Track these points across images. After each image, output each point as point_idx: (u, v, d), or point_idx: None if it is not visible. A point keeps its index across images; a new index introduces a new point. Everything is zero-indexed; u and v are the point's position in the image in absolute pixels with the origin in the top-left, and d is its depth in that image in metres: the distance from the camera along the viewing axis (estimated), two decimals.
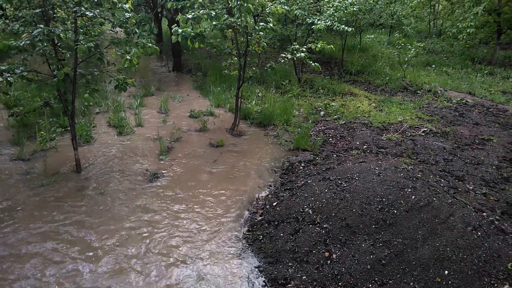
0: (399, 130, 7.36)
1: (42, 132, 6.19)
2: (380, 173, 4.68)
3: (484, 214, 4.17)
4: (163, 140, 6.50)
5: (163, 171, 5.68)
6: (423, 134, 7.18)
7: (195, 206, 4.87)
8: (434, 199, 4.17)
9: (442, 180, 4.90)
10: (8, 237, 4.08)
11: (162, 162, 5.96)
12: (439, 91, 10.23)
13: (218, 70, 10.41)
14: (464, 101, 9.52)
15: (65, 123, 6.72)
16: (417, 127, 7.55)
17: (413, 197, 4.19)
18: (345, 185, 4.61)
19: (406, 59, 11.51)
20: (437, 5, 17.76)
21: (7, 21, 5.10)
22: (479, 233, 3.78)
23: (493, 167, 5.79)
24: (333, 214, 4.24)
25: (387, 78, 11.28)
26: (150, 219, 4.57)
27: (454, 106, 9.18)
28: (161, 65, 12.60)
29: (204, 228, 4.48)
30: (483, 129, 7.58)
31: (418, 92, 10.38)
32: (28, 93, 7.72)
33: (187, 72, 11.85)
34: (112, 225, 4.42)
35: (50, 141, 6.20)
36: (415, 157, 6.08)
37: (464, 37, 12.76)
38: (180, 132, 7.04)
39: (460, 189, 4.83)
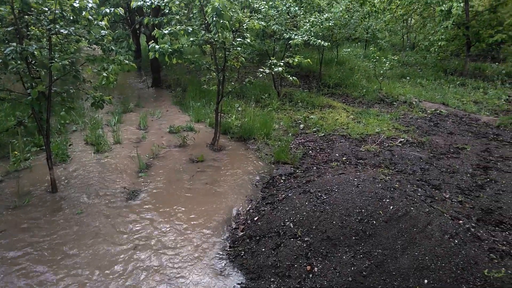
0: (377, 141, 7.51)
1: (16, 152, 6.01)
2: (359, 184, 4.74)
3: (461, 221, 4.27)
4: (142, 157, 6.41)
5: (142, 189, 5.59)
6: (400, 144, 7.34)
7: (176, 224, 4.80)
8: (412, 208, 4.25)
9: (419, 190, 5.00)
10: None
11: (141, 179, 5.87)
12: (414, 102, 10.52)
13: (197, 85, 10.42)
14: (438, 111, 9.81)
15: (40, 142, 6.56)
16: (394, 138, 7.72)
17: (391, 207, 4.25)
18: (325, 197, 4.64)
19: (382, 71, 11.83)
20: (409, 19, 18.44)
21: None
22: (456, 241, 3.86)
23: (468, 175, 5.95)
24: (314, 227, 4.25)
25: (364, 90, 11.54)
26: (130, 238, 4.47)
27: (429, 116, 9.45)
28: (140, 81, 12.53)
29: (185, 245, 4.41)
30: (457, 138, 7.81)
31: (394, 103, 10.65)
32: (0, 112, 7.51)
33: (166, 88, 11.81)
34: (89, 246, 4.30)
35: (24, 161, 6.03)
36: (392, 168, 6.20)
37: (436, 49, 13.26)
38: (159, 148, 6.96)
39: (436, 198, 4.94)
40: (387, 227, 4.06)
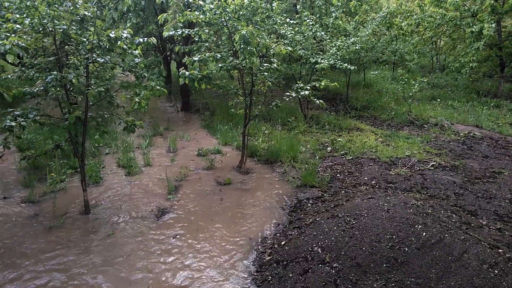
0: (407, 164, 7.31)
1: (53, 174, 6.28)
2: (389, 209, 4.60)
3: (500, 250, 4.04)
4: (171, 179, 6.53)
5: (171, 211, 5.67)
6: (431, 168, 7.11)
7: (202, 247, 4.81)
8: (446, 235, 4.07)
9: (454, 216, 4.79)
10: (14, 284, 4.04)
11: (170, 201, 5.96)
12: (445, 125, 10.24)
13: (225, 109, 10.62)
14: (471, 134, 9.48)
15: (75, 165, 6.83)
16: (425, 161, 7.50)
17: (424, 234, 4.09)
18: (354, 222, 4.53)
19: (411, 94, 11.63)
20: (438, 41, 18.16)
21: (23, 68, 5.34)
22: (496, 271, 3.64)
23: (506, 201, 5.66)
24: (343, 253, 4.14)
25: (393, 112, 11.36)
26: (158, 260, 4.51)
27: (462, 139, 9.14)
28: (170, 105, 12.90)
29: (210, 269, 4.39)
30: (493, 162, 7.49)
31: (425, 126, 10.39)
32: (40, 136, 7.92)
33: (195, 112, 12.09)
34: (120, 266, 4.37)
35: (60, 183, 6.28)
36: (424, 192, 6.00)
37: (467, 71, 12.91)
38: (188, 171, 7.08)
39: (473, 225, 4.72)
40: (420, 254, 3.90)
